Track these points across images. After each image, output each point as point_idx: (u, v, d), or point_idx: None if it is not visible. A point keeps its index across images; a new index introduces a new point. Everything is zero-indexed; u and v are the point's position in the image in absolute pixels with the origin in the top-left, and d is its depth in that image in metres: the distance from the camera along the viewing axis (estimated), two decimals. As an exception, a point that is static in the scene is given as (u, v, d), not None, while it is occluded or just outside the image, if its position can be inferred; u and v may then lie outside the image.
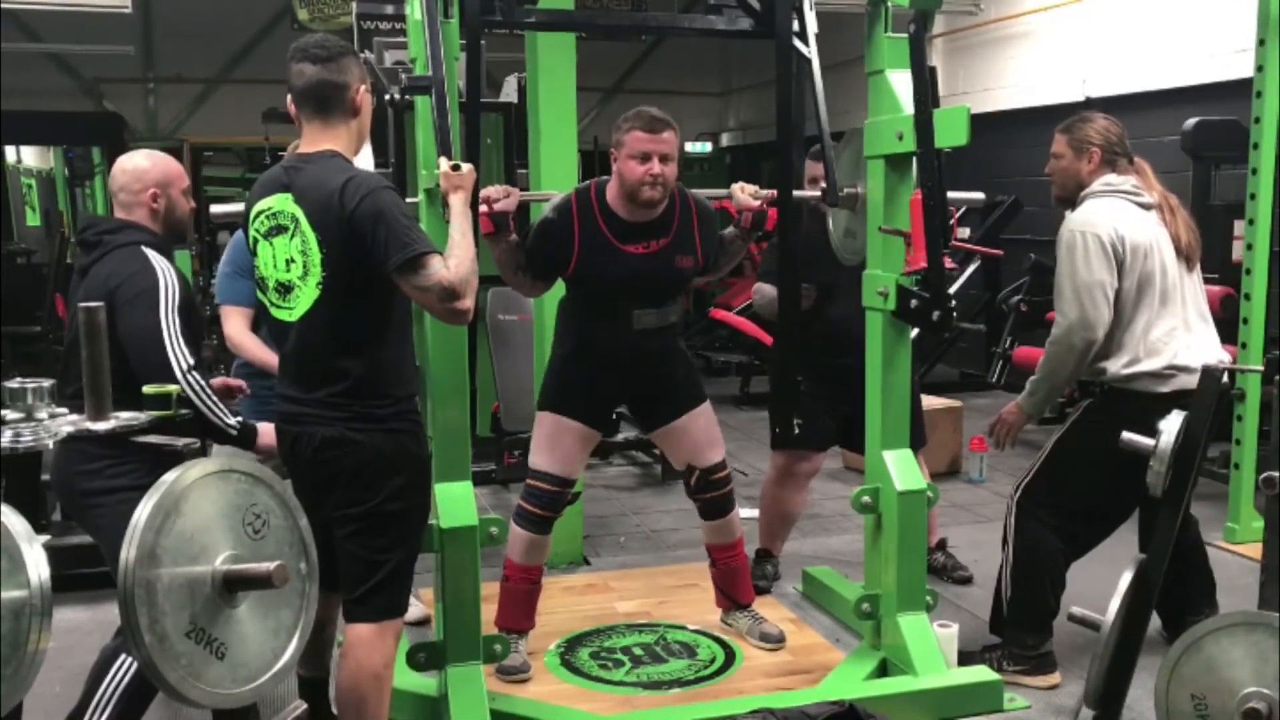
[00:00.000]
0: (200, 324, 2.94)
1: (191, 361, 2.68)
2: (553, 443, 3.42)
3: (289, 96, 2.54)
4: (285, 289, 2.49)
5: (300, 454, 2.52)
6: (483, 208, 3.02)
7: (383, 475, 2.50)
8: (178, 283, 2.76)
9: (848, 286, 3.51)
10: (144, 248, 2.78)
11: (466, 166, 2.69)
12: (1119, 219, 3.23)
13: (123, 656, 2.71)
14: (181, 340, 2.69)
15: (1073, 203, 3.38)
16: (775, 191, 3.35)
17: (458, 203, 2.62)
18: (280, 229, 2.48)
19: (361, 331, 2.48)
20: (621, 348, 3.39)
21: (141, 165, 2.89)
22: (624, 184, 3.24)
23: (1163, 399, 3.09)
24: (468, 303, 2.40)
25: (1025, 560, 3.37)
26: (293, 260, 2.46)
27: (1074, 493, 3.31)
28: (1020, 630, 3.39)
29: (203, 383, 2.68)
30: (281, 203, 2.47)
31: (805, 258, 3.52)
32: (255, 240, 2.54)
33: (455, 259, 2.42)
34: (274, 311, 2.55)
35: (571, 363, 3.46)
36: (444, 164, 2.69)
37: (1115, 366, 3.24)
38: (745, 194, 3.36)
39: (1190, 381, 3.10)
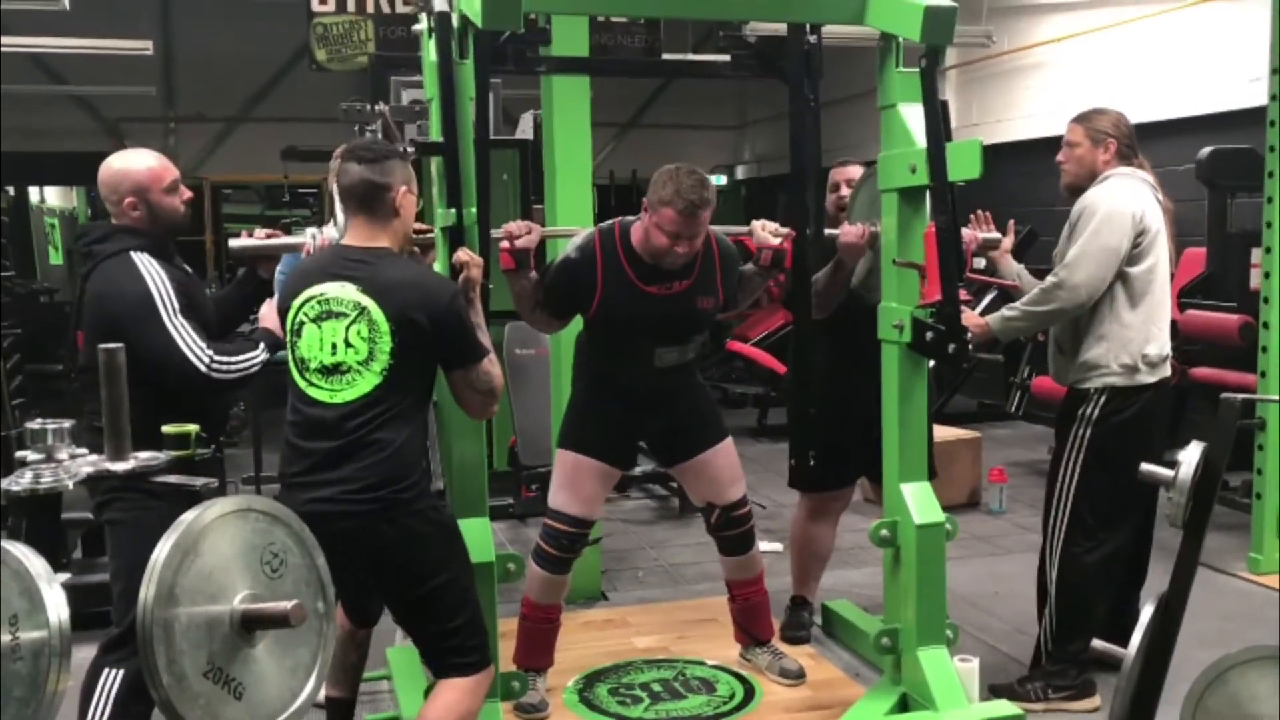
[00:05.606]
0: (206, 307, 2.92)
1: (210, 353, 2.73)
2: (572, 482, 3.41)
3: (335, 191, 2.68)
4: (332, 371, 2.49)
5: (335, 544, 2.35)
6: (504, 243, 3.08)
7: (419, 557, 2.55)
8: (169, 281, 2.74)
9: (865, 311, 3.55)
10: (132, 254, 2.74)
11: (477, 260, 2.81)
12: (1143, 202, 3.32)
13: (106, 671, 2.70)
14: (193, 336, 2.72)
15: (1082, 191, 3.40)
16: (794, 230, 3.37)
17: (475, 303, 2.76)
18: (334, 314, 2.50)
19: (406, 412, 2.54)
20: (642, 385, 3.40)
21: (116, 173, 2.81)
22: (649, 245, 3.21)
23: (1147, 388, 3.33)
24: (497, 405, 2.69)
25: (1073, 611, 3.40)
26: (350, 345, 2.48)
27: (1115, 501, 3.35)
28: (1066, 665, 3.42)
29: (227, 362, 2.76)
30: (341, 290, 2.51)
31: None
32: (301, 324, 2.54)
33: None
34: (310, 390, 2.52)
35: (591, 399, 3.45)
36: (462, 257, 2.81)
37: (1127, 356, 3.29)
38: (765, 232, 3.38)
39: (1165, 370, 3.39)
